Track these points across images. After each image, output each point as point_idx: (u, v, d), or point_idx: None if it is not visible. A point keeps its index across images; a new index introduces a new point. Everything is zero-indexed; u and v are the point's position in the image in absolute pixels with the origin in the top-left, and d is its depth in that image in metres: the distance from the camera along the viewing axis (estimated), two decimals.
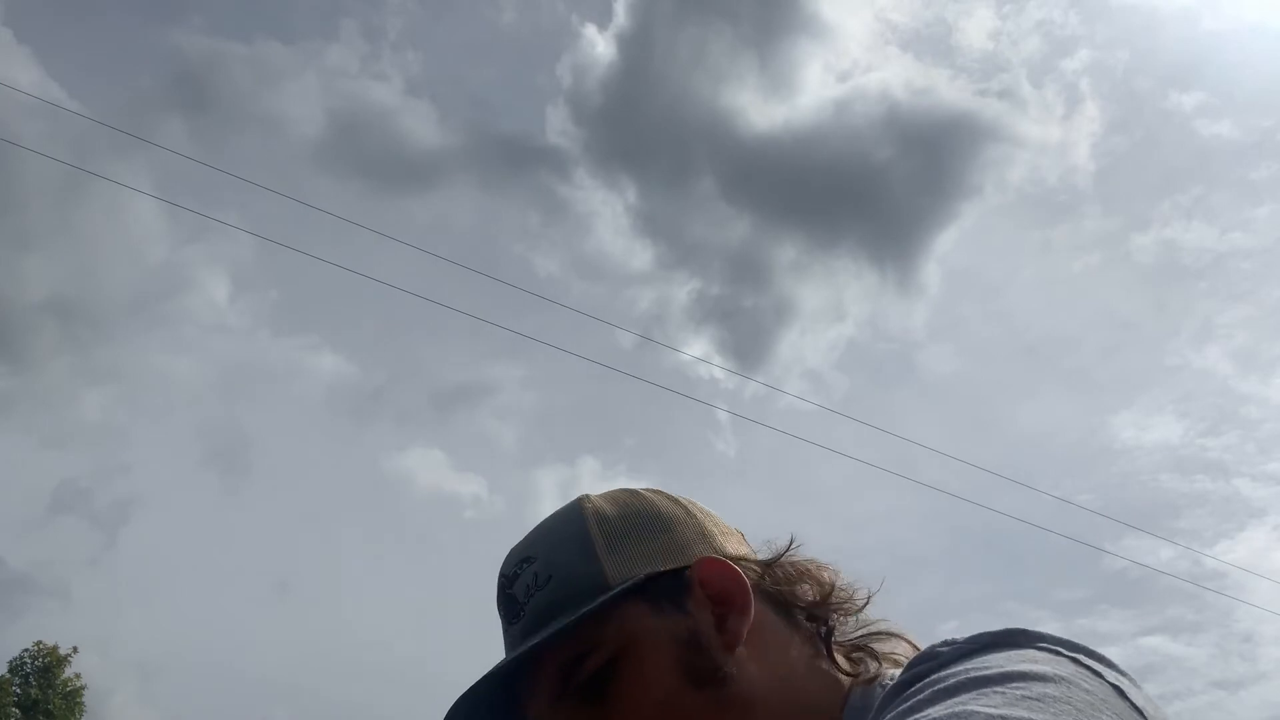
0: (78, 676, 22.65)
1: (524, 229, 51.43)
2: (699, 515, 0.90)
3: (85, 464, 47.65)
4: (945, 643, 0.70)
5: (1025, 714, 0.56)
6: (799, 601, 0.86)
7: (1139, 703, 0.61)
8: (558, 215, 49.63)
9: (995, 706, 0.57)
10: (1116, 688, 0.61)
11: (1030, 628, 0.68)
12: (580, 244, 48.99)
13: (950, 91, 49.01)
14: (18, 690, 21.85)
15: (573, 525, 0.88)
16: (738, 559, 0.87)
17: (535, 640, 0.81)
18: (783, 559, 0.88)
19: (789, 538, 0.90)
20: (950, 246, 49.02)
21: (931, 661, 0.67)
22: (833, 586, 0.87)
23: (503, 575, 0.89)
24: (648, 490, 0.92)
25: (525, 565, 0.87)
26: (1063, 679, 0.60)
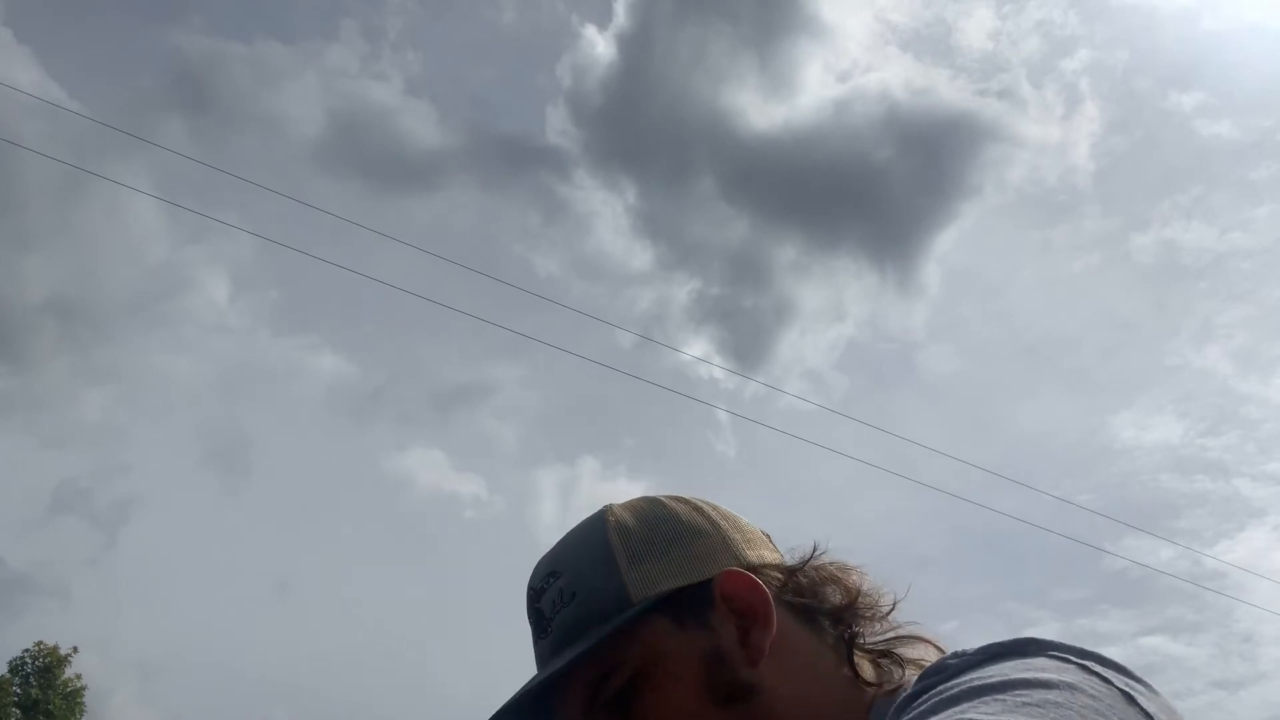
0: (78, 677, 22.69)
1: (524, 229, 51.47)
2: (722, 523, 0.89)
3: (85, 464, 47.72)
4: (955, 654, 0.70)
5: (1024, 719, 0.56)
6: (824, 607, 0.86)
7: (1150, 709, 0.61)
8: (558, 215, 49.67)
9: (994, 713, 0.57)
10: (1125, 693, 0.61)
11: (1042, 636, 0.68)
12: (580, 244, 49.03)
13: (950, 91, 49.05)
14: (18, 690, 21.85)
15: (596, 539, 0.88)
16: (761, 567, 0.86)
17: (559, 664, 0.82)
18: (808, 564, 0.88)
19: (812, 543, 0.89)
20: (950, 246, 49.05)
21: (941, 674, 0.67)
22: (858, 591, 0.87)
23: (531, 588, 0.90)
24: (670, 498, 0.91)
25: (551, 580, 0.88)
26: (1067, 685, 0.60)
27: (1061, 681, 0.60)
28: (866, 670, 0.84)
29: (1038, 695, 0.59)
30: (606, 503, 0.92)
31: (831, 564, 0.89)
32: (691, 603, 0.83)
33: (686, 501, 0.91)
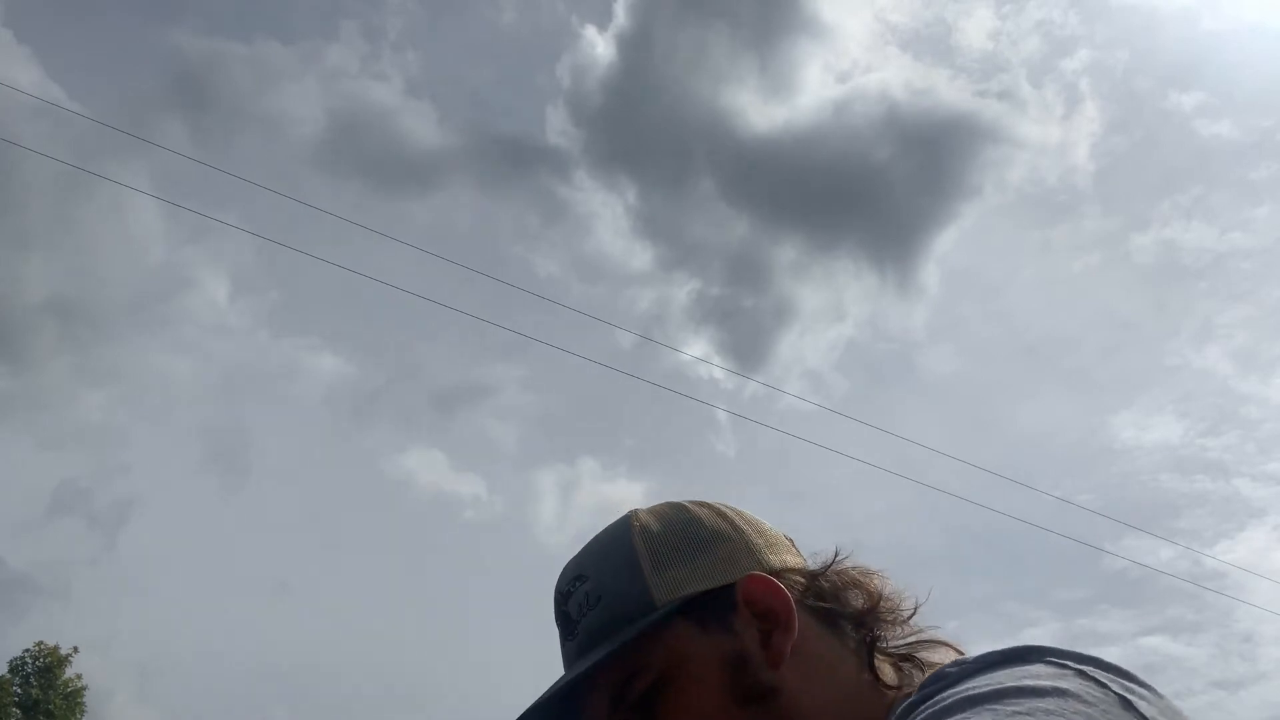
0: (78, 677, 22.70)
1: (524, 229, 51.47)
2: (745, 528, 0.91)
3: (85, 464, 47.66)
4: (955, 663, 0.71)
5: None
6: (847, 611, 0.87)
7: (1148, 713, 0.62)
8: (557, 216, 49.68)
9: None
10: (1122, 698, 0.62)
11: (1042, 643, 0.69)
12: (580, 244, 49.04)
13: (950, 92, 49.06)
14: (18, 690, 21.86)
15: (621, 544, 0.89)
16: (783, 572, 0.87)
17: (584, 666, 0.84)
18: (830, 568, 0.89)
19: (834, 548, 0.91)
20: (950, 247, 49.04)
21: (940, 682, 0.69)
22: (880, 596, 0.88)
23: (558, 592, 0.92)
24: (694, 504, 0.93)
25: (578, 583, 0.90)
26: (1061, 692, 0.61)
27: (1056, 689, 0.61)
28: (887, 674, 0.85)
29: (1029, 704, 0.60)
30: (632, 508, 0.94)
31: (854, 569, 0.90)
32: (714, 606, 0.85)
33: (710, 506, 0.92)
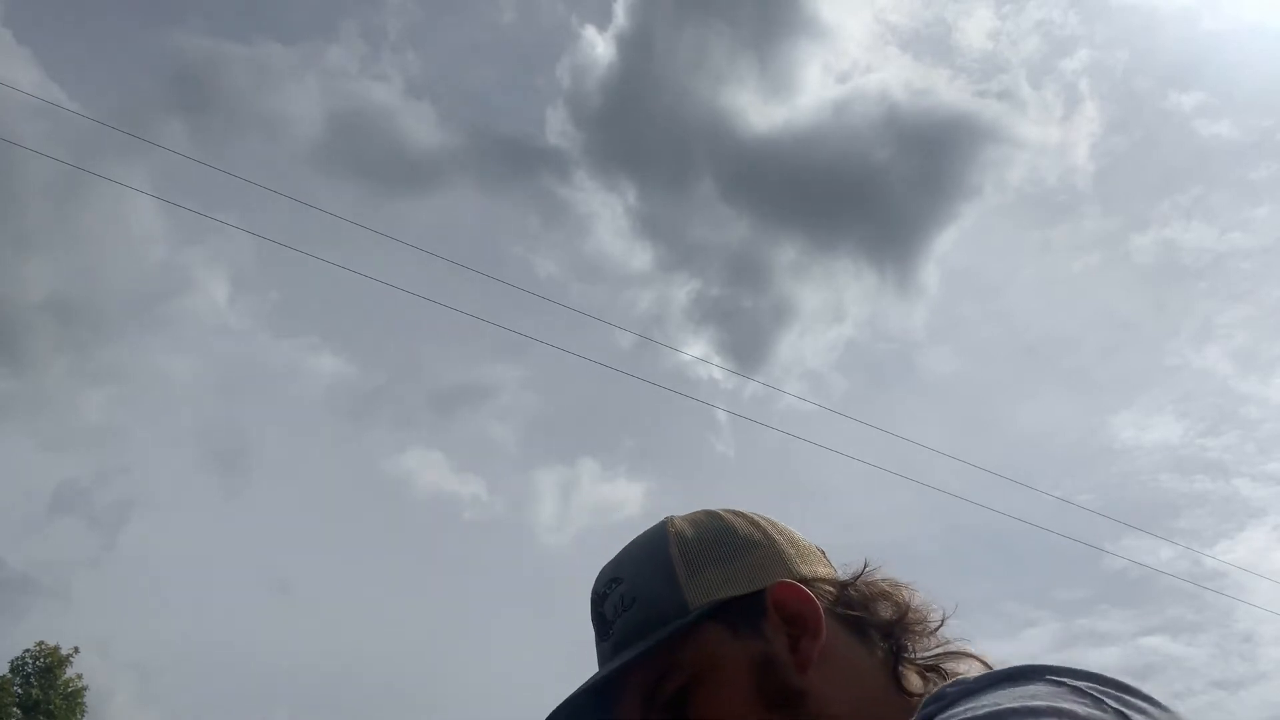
0: (79, 677, 22.68)
1: (524, 230, 51.40)
2: (777, 537, 0.93)
3: (85, 465, 47.61)
4: (955, 682, 0.73)
5: None
6: (875, 621, 0.89)
7: None
8: (557, 216, 49.58)
9: None
10: (1120, 713, 0.63)
11: (1043, 662, 0.70)
12: (580, 245, 48.97)
13: (950, 92, 48.96)
14: (19, 690, 21.87)
15: (656, 549, 0.92)
16: (813, 580, 0.90)
17: (617, 664, 0.87)
18: (860, 579, 0.92)
19: (863, 560, 0.93)
20: (950, 247, 48.90)
21: (939, 702, 0.71)
22: (908, 606, 0.90)
23: (595, 593, 0.95)
24: (728, 512, 0.95)
25: (614, 585, 0.93)
26: (1060, 711, 0.62)
27: (1050, 708, 0.63)
28: (914, 683, 0.87)
29: None
30: (667, 514, 0.96)
31: (883, 580, 0.92)
32: (745, 611, 0.87)
33: (744, 515, 0.95)
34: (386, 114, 49.17)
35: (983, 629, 0.93)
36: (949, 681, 0.74)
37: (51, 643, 22.52)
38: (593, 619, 0.94)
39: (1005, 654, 0.90)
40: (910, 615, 0.90)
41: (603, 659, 0.92)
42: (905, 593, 0.91)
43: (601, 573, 0.95)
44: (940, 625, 0.90)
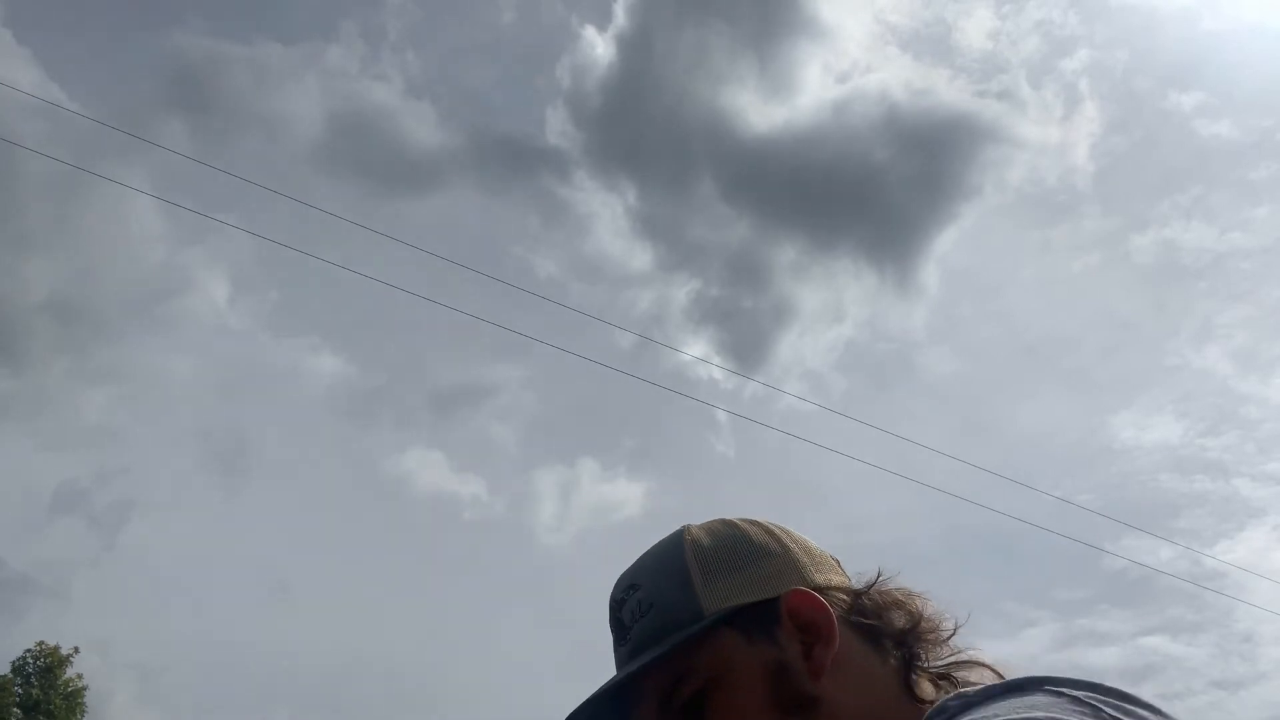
0: (79, 677, 22.71)
1: (524, 230, 51.45)
2: (792, 546, 0.95)
3: (85, 465, 47.65)
4: (957, 695, 0.75)
5: None
6: (888, 630, 0.91)
7: None
8: (557, 216, 49.57)
9: None
10: None
11: (1045, 673, 0.71)
12: (580, 245, 48.97)
13: (949, 92, 48.94)
14: (19, 690, 21.88)
15: (672, 556, 0.94)
16: (827, 589, 0.91)
17: (633, 667, 0.89)
18: (874, 588, 0.93)
19: (877, 569, 0.95)
20: (950, 247, 48.86)
21: (942, 715, 0.72)
22: (921, 615, 0.92)
23: (613, 599, 0.97)
24: (744, 521, 0.97)
25: (632, 592, 0.95)
26: None
27: (1049, 719, 0.64)
28: (926, 691, 0.88)
29: None
30: (684, 523, 0.98)
31: (897, 589, 0.94)
32: (759, 618, 0.89)
33: (759, 524, 0.97)
34: (386, 114, 49.20)
35: (983, 629, 0.94)
36: (952, 694, 0.75)
37: (52, 643, 22.58)
38: (611, 624, 0.96)
39: (1005, 654, 0.93)
40: (923, 624, 0.91)
41: (620, 664, 0.94)
42: (918, 602, 0.93)
43: (620, 579, 0.97)
44: (953, 634, 0.92)
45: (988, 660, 0.90)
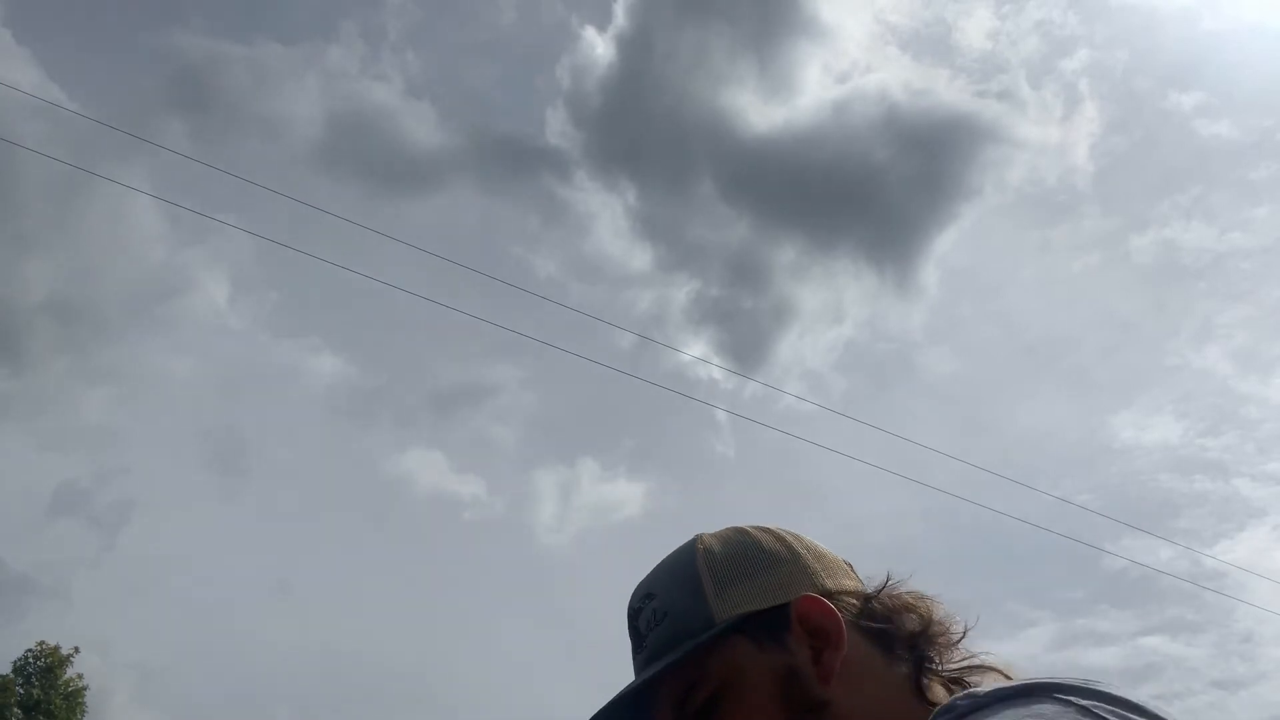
0: (79, 677, 22.70)
1: (524, 230, 51.38)
2: (802, 552, 0.96)
3: (85, 465, 47.49)
4: (966, 695, 0.76)
5: None
6: (899, 633, 0.92)
7: None
8: (557, 216, 49.51)
9: None
10: None
11: (1053, 679, 0.72)
12: (580, 245, 48.96)
13: (949, 92, 48.87)
14: (20, 690, 21.88)
15: (686, 565, 0.96)
16: (837, 594, 0.93)
17: (647, 674, 0.91)
18: (884, 592, 0.95)
19: (886, 573, 0.96)
20: (949, 247, 48.77)
21: (950, 714, 0.73)
22: (931, 619, 0.93)
23: (630, 608, 0.99)
24: (755, 528, 0.99)
25: (647, 601, 0.97)
26: None
27: None
28: (937, 694, 0.89)
29: None
30: (697, 532, 1.00)
31: (907, 593, 0.95)
32: (770, 624, 0.90)
33: (770, 532, 0.98)
34: (386, 114, 49.12)
35: (983, 629, 0.95)
36: (961, 693, 0.76)
37: (52, 643, 22.57)
38: (629, 632, 0.98)
39: (1005, 654, 0.93)
40: (933, 627, 0.92)
41: (637, 670, 0.96)
42: (929, 605, 0.94)
43: (637, 589, 0.99)
44: (963, 637, 0.93)
45: (1000, 664, 0.91)
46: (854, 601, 0.93)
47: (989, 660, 0.92)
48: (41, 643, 22.48)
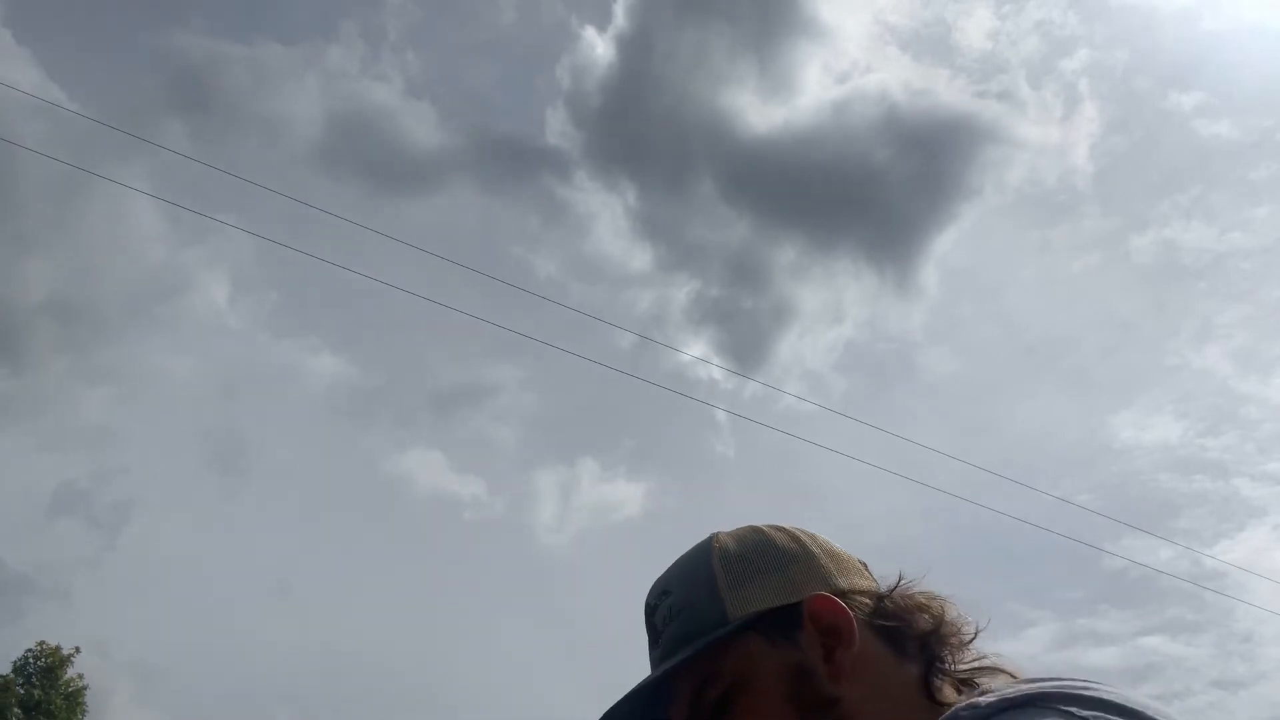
0: (80, 677, 22.70)
1: (524, 230, 51.40)
2: (816, 551, 0.97)
3: (85, 465, 47.47)
4: (968, 705, 0.77)
5: None
6: (911, 632, 0.93)
7: None
8: (557, 216, 49.52)
9: None
10: None
11: (1058, 689, 0.73)
12: (580, 245, 48.97)
13: (949, 92, 48.86)
14: (20, 690, 21.88)
15: (701, 563, 0.97)
16: (850, 593, 0.94)
17: (661, 670, 0.92)
18: (897, 591, 0.96)
19: (898, 573, 0.97)
20: (949, 247, 48.79)
21: None
22: (943, 619, 0.94)
23: (647, 605, 1.00)
24: (770, 527, 1.00)
25: (664, 598, 0.98)
26: None
27: None
28: (948, 694, 0.90)
29: None
30: (713, 531, 1.01)
31: (920, 592, 0.96)
32: (783, 622, 0.92)
33: (785, 531, 1.00)
34: (386, 114, 49.11)
35: (981, 631, 0.95)
36: (964, 703, 0.76)
37: (52, 643, 22.57)
38: (646, 628, 1.00)
39: (1005, 654, 0.94)
40: (945, 628, 0.93)
41: (653, 666, 0.97)
42: (942, 605, 0.95)
43: (654, 585, 1.01)
44: (974, 637, 0.94)
45: (1009, 666, 0.92)
46: (866, 600, 0.94)
47: (999, 662, 0.93)
48: (42, 643, 22.51)
